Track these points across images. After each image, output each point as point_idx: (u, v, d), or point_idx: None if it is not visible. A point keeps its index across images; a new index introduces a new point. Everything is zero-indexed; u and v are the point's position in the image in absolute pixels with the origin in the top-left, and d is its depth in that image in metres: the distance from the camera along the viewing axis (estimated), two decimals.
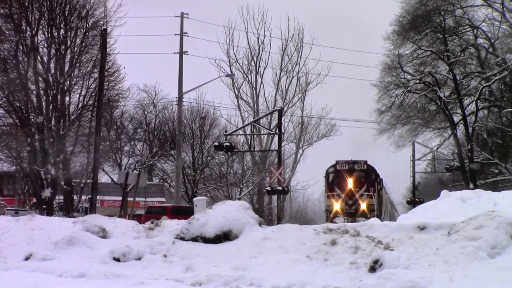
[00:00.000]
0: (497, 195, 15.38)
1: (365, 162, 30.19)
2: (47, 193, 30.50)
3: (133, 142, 46.14)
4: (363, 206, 28.93)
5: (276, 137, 40.62)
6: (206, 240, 12.79)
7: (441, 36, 38.78)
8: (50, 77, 31.01)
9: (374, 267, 10.09)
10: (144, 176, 31.47)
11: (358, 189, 29.32)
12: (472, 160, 38.21)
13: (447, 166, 42.38)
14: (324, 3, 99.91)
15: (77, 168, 33.18)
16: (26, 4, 31.01)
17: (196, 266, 11.40)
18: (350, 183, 29.34)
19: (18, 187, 37.44)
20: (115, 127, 41.22)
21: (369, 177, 29.93)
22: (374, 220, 15.16)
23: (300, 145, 54.45)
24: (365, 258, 10.54)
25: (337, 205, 29.08)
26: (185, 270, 11.28)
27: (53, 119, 31.00)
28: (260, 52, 53.29)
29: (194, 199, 28.72)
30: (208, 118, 50.20)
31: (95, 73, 31.41)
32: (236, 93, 52.92)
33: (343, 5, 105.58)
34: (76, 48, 31.64)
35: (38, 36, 31.17)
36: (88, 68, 32.23)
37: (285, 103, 52.20)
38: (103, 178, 42.47)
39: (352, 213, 28.82)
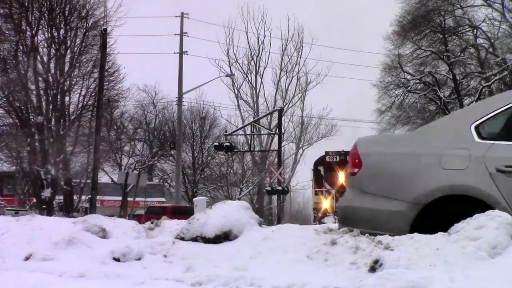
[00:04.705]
0: None
1: None
2: (47, 193, 30.50)
3: (133, 142, 46.18)
4: None
5: (276, 137, 40.68)
6: (206, 240, 12.77)
7: (441, 36, 38.81)
8: (50, 77, 31.03)
9: (374, 267, 10.08)
10: (144, 176, 31.49)
11: None
12: None
13: None
14: (324, 3, 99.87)
15: (77, 168, 33.20)
16: (26, 4, 31.03)
17: (196, 266, 11.39)
18: (341, 177, 25.66)
19: (18, 187, 37.46)
20: (115, 127, 41.24)
21: None
22: None
23: (300, 145, 54.51)
24: (365, 258, 10.53)
25: (326, 203, 26.26)
26: (185, 270, 11.27)
27: (53, 119, 31.02)
28: (260, 52, 53.41)
29: (194, 199, 28.77)
30: (208, 118, 50.29)
31: (95, 73, 31.45)
32: (236, 93, 53.02)
33: (343, 5, 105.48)
34: (76, 48, 31.68)
35: (38, 36, 31.24)
36: (88, 68, 32.30)
37: (285, 103, 52.25)
38: (103, 178, 42.50)
39: None
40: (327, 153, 27.80)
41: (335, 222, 21.79)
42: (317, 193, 27.32)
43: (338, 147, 28.46)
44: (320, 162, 27.95)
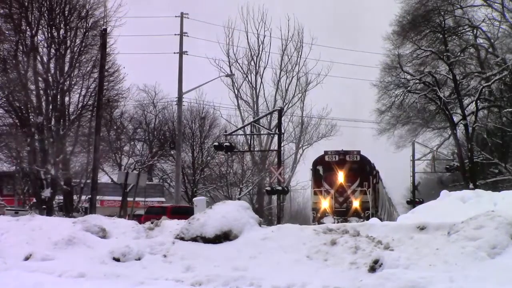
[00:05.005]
0: (497, 195, 15.40)
1: (358, 152, 26.72)
2: (47, 193, 30.48)
3: (133, 142, 46.15)
4: (356, 203, 25.62)
5: (276, 137, 40.63)
6: (206, 240, 12.80)
7: (441, 36, 38.77)
8: (50, 77, 31.00)
9: (374, 267, 10.10)
10: (144, 176, 31.45)
11: (350, 183, 25.93)
12: (472, 160, 38.21)
13: (447, 166, 42.36)
14: (324, 3, 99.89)
15: (77, 168, 33.16)
16: (26, 4, 30.99)
17: (196, 266, 11.41)
18: (340, 176, 25.95)
19: (18, 187, 37.42)
20: (115, 127, 41.22)
21: (363, 170, 26.43)
22: (374, 220, 15.17)
23: (300, 145, 54.52)
24: (365, 258, 10.55)
25: (325, 203, 25.76)
26: (185, 270, 11.29)
27: (53, 119, 30.99)
28: (260, 52, 53.40)
29: (194, 199, 28.68)
30: (208, 118, 50.24)
31: (95, 73, 31.41)
32: (236, 93, 53.03)
33: (343, 5, 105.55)
34: (76, 48, 31.65)
35: (38, 36, 31.19)
36: (88, 68, 32.25)
37: (285, 103, 52.25)
38: (103, 178, 42.46)
39: (343, 212, 25.59)
40: (326, 152, 27.25)
41: (334, 222, 21.39)
42: (316, 193, 26.70)
43: (338, 147, 28.20)
44: (319, 161, 27.43)
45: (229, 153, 39.86)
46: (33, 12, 31.16)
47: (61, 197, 33.30)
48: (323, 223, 21.03)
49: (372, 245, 11.23)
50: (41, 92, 31.00)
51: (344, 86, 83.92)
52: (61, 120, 31.24)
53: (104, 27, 30.84)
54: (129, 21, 36.35)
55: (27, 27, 31.03)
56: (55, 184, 30.82)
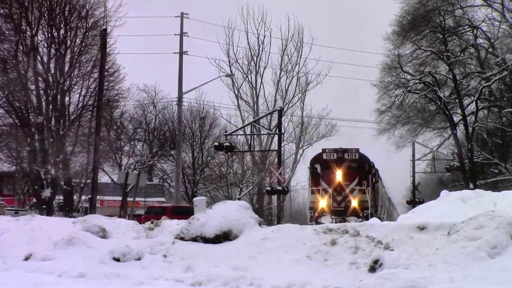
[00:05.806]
0: (497, 195, 15.40)
1: (357, 150, 26.21)
2: (47, 193, 30.50)
3: (133, 142, 46.15)
4: (354, 203, 24.99)
5: (276, 137, 40.61)
6: (206, 240, 12.80)
7: (441, 36, 38.76)
8: (50, 77, 31.02)
9: (374, 267, 10.10)
10: (144, 176, 31.45)
11: (348, 182, 25.32)
12: (472, 160, 38.20)
13: (447, 166, 42.37)
14: (324, 3, 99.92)
15: (77, 168, 33.17)
16: (26, 4, 31.01)
17: (196, 266, 11.41)
18: (339, 175, 25.35)
19: (18, 187, 37.44)
20: (115, 127, 41.23)
21: (362, 168, 25.88)
22: (374, 220, 15.16)
23: (300, 145, 54.50)
24: (365, 258, 10.55)
25: (323, 202, 25.17)
26: (185, 270, 11.29)
27: (53, 119, 31.01)
28: (260, 52, 53.38)
29: (194, 199, 28.64)
30: (208, 118, 50.23)
31: (95, 73, 31.44)
32: (236, 93, 53.01)
33: (343, 5, 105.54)
34: (76, 48, 31.67)
35: (38, 36, 31.21)
36: (88, 68, 32.29)
37: (285, 103, 52.23)
38: (103, 178, 42.47)
39: (341, 212, 24.99)
40: (324, 150, 26.69)
41: (332, 222, 21.28)
42: (313, 191, 26.08)
43: (338, 147, 27.99)
44: (316, 159, 26.86)
45: (229, 153, 39.81)
46: (33, 12, 31.18)
47: (61, 197, 33.31)
48: (320, 222, 20.91)
49: (372, 245, 11.23)
50: (41, 92, 31.01)
51: (344, 86, 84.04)
52: (61, 120, 31.26)
53: (104, 27, 30.88)
54: (129, 21, 36.36)
55: (27, 27, 31.05)
56: (55, 184, 30.82)
